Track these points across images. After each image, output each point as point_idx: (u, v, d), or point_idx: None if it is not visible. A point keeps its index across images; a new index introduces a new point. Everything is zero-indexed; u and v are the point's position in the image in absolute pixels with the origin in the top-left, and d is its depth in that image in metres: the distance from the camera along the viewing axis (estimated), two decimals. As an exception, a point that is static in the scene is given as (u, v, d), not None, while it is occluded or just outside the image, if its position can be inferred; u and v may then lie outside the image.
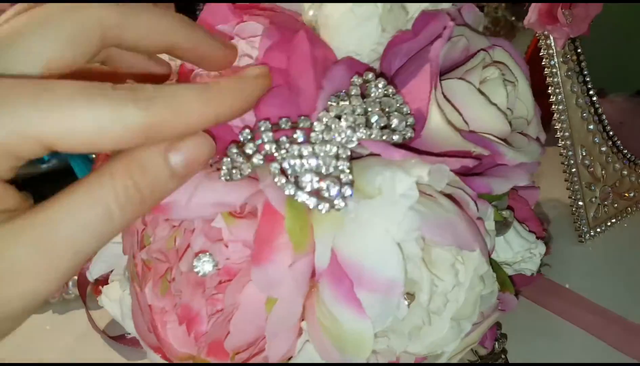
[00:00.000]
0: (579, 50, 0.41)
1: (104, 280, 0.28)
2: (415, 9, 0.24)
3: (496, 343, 0.33)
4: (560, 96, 0.40)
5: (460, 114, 0.23)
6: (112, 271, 0.28)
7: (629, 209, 0.46)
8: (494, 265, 0.27)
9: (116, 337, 0.38)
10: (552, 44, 0.40)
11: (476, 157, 0.23)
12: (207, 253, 0.22)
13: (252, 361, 0.24)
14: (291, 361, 0.24)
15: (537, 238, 0.28)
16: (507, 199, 0.27)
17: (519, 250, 0.27)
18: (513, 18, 0.51)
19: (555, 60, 0.40)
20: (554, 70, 0.40)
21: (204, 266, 0.22)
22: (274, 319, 0.22)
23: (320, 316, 0.22)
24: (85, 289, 0.39)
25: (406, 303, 0.23)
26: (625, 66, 0.47)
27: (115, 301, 0.26)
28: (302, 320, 0.24)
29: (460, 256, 0.24)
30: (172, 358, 0.24)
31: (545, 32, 0.39)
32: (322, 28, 0.24)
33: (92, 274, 0.25)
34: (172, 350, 0.24)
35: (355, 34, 0.23)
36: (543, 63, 0.41)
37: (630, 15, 0.45)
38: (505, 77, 0.26)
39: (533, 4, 0.37)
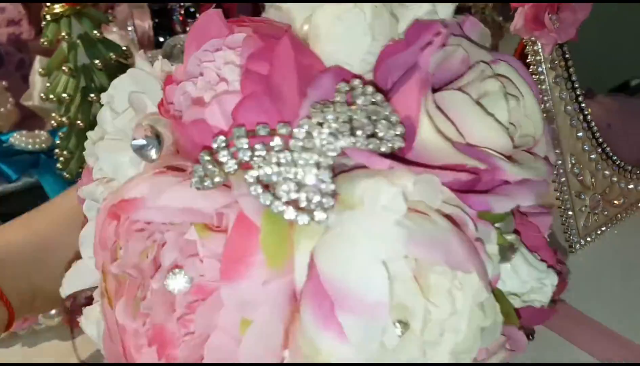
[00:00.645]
0: (566, 56, 0.39)
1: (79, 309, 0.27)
2: (409, 17, 0.23)
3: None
4: (549, 103, 0.39)
5: (455, 126, 0.21)
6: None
7: (619, 215, 0.45)
8: (498, 295, 0.24)
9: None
10: (540, 50, 0.39)
11: (472, 172, 0.21)
12: (181, 269, 0.21)
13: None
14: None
15: (549, 267, 0.26)
16: (513, 222, 0.24)
17: (527, 279, 0.25)
18: (500, 18, 0.50)
19: (543, 66, 0.39)
20: (542, 77, 0.39)
21: (177, 282, 0.20)
22: (249, 343, 0.20)
23: (301, 342, 0.21)
24: (76, 316, 0.38)
25: (398, 331, 0.21)
26: (604, 60, 0.46)
27: (93, 322, 0.25)
28: (285, 347, 0.22)
29: (457, 281, 0.21)
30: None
31: (533, 38, 0.38)
32: (311, 40, 0.23)
33: (65, 290, 0.24)
34: (144, 376, 0.22)
35: (343, 42, 0.22)
36: (531, 70, 0.40)
37: (607, 7, 0.44)
38: (507, 91, 0.24)
39: (519, 9, 0.36)
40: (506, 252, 0.24)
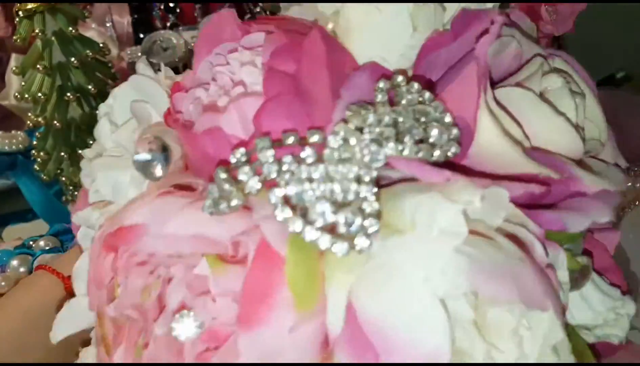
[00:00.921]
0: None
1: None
2: (454, 6, 0.20)
3: None
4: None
5: (520, 126, 0.18)
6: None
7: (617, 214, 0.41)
8: (569, 330, 0.20)
9: None
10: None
11: (544, 183, 0.17)
12: (190, 311, 0.17)
13: None
14: None
15: (623, 293, 0.22)
16: (583, 242, 0.21)
17: (600, 310, 0.21)
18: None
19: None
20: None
21: (185, 327, 0.17)
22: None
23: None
24: None
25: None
26: (587, 53, 0.43)
27: (87, 369, 0.21)
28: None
29: (525, 319, 0.18)
30: None
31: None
32: (342, 35, 0.20)
33: (56, 335, 0.20)
34: None
35: (381, 34, 0.19)
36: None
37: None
38: (570, 87, 0.21)
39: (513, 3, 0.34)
40: (578, 278, 0.20)
